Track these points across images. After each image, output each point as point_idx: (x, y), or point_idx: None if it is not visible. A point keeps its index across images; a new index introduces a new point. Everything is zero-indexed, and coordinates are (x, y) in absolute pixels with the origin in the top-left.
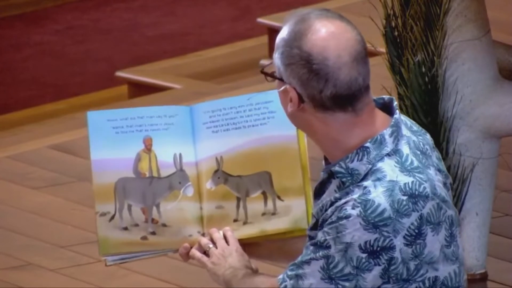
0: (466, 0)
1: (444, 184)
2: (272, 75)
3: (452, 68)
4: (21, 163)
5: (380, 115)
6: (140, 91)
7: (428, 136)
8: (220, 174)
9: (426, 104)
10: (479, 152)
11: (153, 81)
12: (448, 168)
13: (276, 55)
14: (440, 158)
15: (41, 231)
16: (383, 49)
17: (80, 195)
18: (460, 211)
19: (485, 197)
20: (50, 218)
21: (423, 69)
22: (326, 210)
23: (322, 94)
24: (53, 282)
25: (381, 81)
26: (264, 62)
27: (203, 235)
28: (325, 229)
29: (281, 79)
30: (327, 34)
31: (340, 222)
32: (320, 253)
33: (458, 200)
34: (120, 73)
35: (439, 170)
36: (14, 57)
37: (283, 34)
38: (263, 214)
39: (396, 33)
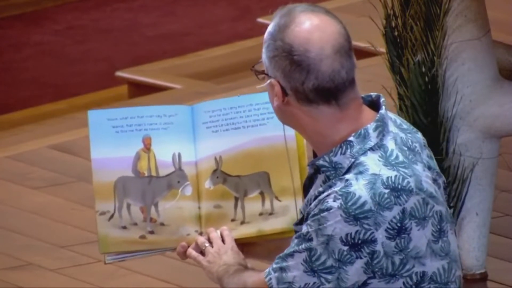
0: (466, 0)
1: (435, 181)
2: (261, 72)
3: (452, 68)
4: (21, 163)
5: (367, 111)
6: (140, 91)
7: (419, 135)
8: (219, 174)
9: (426, 104)
10: (479, 152)
11: (153, 81)
12: (448, 168)
13: (263, 50)
14: (432, 157)
15: (41, 231)
16: (383, 49)
17: (80, 195)
18: (460, 211)
19: (485, 197)
20: (50, 218)
21: (423, 69)
22: (310, 204)
23: (305, 86)
24: (53, 282)
25: (381, 81)
26: None
27: (201, 234)
28: (308, 221)
29: (267, 74)
30: (311, 27)
31: (322, 215)
32: (303, 246)
33: (458, 200)
34: (120, 73)
35: (429, 168)
36: (14, 57)
37: (269, 28)
38: (261, 214)
39: (396, 33)
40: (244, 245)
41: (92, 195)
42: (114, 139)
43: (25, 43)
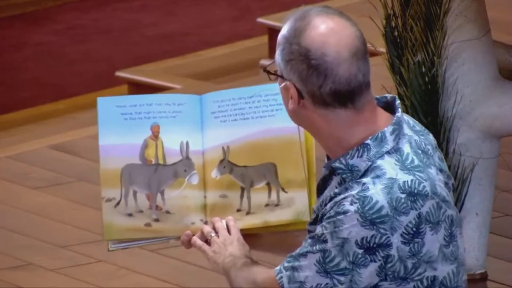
0: (466, 0)
1: (446, 184)
2: (274, 73)
3: (452, 68)
4: (21, 163)
5: (382, 113)
6: (140, 91)
7: (430, 136)
8: (226, 164)
9: (426, 104)
10: (479, 152)
11: (153, 81)
12: (448, 168)
13: (277, 52)
14: (442, 159)
15: (41, 231)
16: (383, 49)
17: (80, 195)
18: (460, 211)
19: (485, 197)
20: (50, 218)
21: (423, 69)
22: (325, 205)
23: (322, 90)
24: (53, 282)
25: (381, 81)
26: (264, 62)
27: (205, 223)
28: (323, 223)
29: (282, 76)
30: (327, 30)
31: (338, 217)
32: (317, 247)
33: (458, 200)
34: (120, 73)
35: (441, 170)
36: (14, 57)
37: (283, 31)
38: (267, 205)
39: (396, 33)
40: (248, 236)
41: (92, 195)
42: (122, 126)
43: (25, 43)
